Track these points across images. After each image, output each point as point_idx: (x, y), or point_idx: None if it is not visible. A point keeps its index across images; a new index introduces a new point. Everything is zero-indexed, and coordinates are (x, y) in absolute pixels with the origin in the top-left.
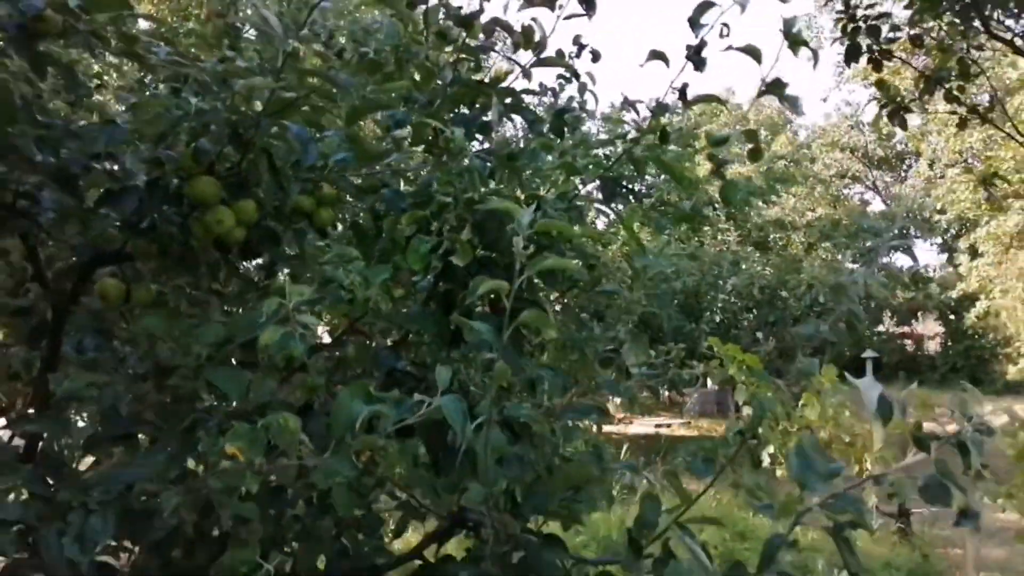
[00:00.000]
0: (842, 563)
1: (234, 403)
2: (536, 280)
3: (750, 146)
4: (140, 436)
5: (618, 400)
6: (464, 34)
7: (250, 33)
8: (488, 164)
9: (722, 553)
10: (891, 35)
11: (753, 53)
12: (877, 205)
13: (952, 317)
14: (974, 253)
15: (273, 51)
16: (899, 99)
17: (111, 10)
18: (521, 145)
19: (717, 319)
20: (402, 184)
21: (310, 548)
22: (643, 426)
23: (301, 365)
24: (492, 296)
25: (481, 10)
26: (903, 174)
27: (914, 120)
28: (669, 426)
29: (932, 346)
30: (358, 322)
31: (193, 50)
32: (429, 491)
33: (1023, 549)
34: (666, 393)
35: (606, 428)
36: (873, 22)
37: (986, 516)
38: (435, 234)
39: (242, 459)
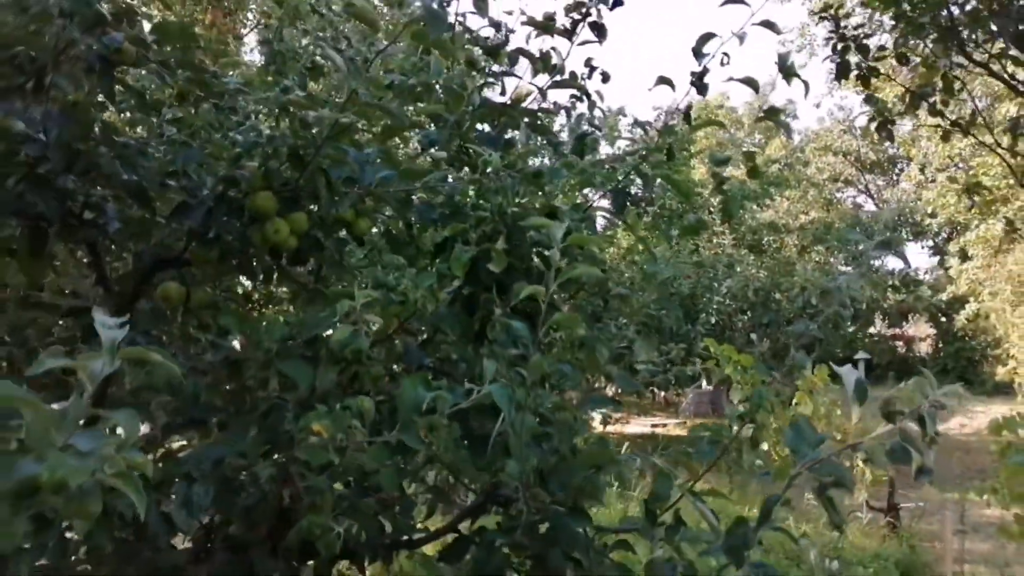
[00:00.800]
0: (833, 554)
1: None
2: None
3: (749, 165)
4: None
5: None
6: (492, 61)
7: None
8: (512, 179)
9: None
10: (878, 53)
11: (751, 84)
12: (869, 208)
13: (943, 319)
14: (964, 256)
15: (296, 66)
16: (886, 113)
17: (180, 42)
18: (522, 148)
19: (712, 320)
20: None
21: (356, 523)
22: (639, 426)
23: (357, 358)
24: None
25: (507, 40)
26: (895, 178)
27: (905, 125)
28: (665, 426)
29: (923, 348)
30: (406, 322)
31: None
32: (470, 469)
33: (1006, 543)
34: (662, 394)
35: (603, 428)
36: (863, 41)
37: (972, 512)
38: (474, 244)
39: (325, 435)
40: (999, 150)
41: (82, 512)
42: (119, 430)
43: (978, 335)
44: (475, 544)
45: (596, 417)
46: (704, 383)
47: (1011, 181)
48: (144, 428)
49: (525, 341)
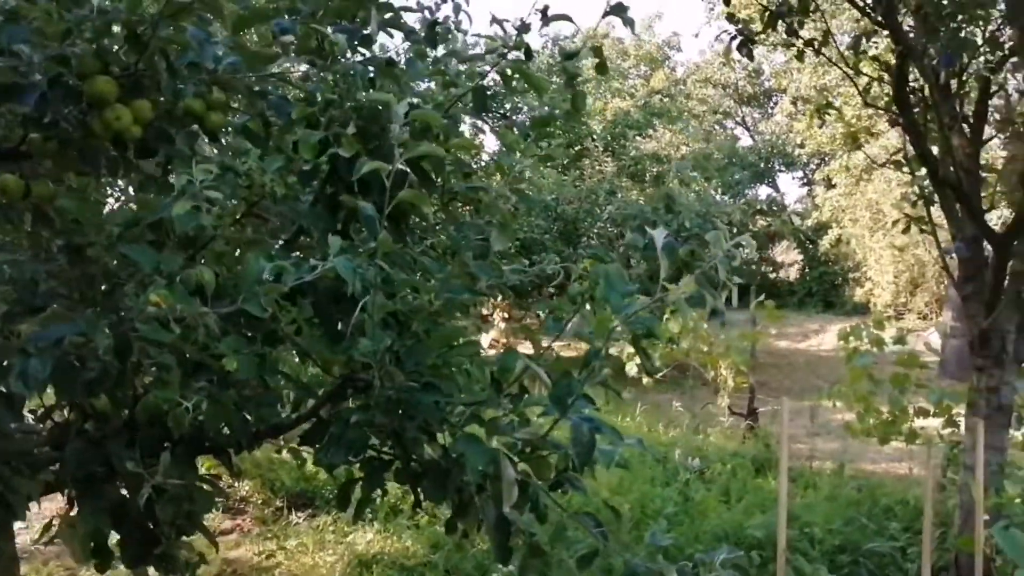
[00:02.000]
0: (695, 452)
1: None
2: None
3: (597, 60)
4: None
5: (502, 325)
6: None
7: None
8: (370, 72)
9: None
10: None
11: None
12: (746, 140)
13: (809, 246)
14: (829, 184)
15: None
16: (747, 32)
17: None
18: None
19: (594, 243)
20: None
21: (216, 414)
22: (526, 349)
23: (205, 243)
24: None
25: None
26: (770, 110)
27: (778, 57)
28: (550, 347)
29: (792, 273)
30: (255, 207)
31: None
32: (324, 349)
33: (853, 443)
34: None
35: (491, 352)
36: None
37: (823, 415)
38: (323, 128)
39: (164, 306)
40: (846, 69)
41: None
42: None
43: (840, 260)
44: (333, 424)
45: (484, 340)
46: (588, 306)
47: (870, 112)
48: None
49: (372, 222)
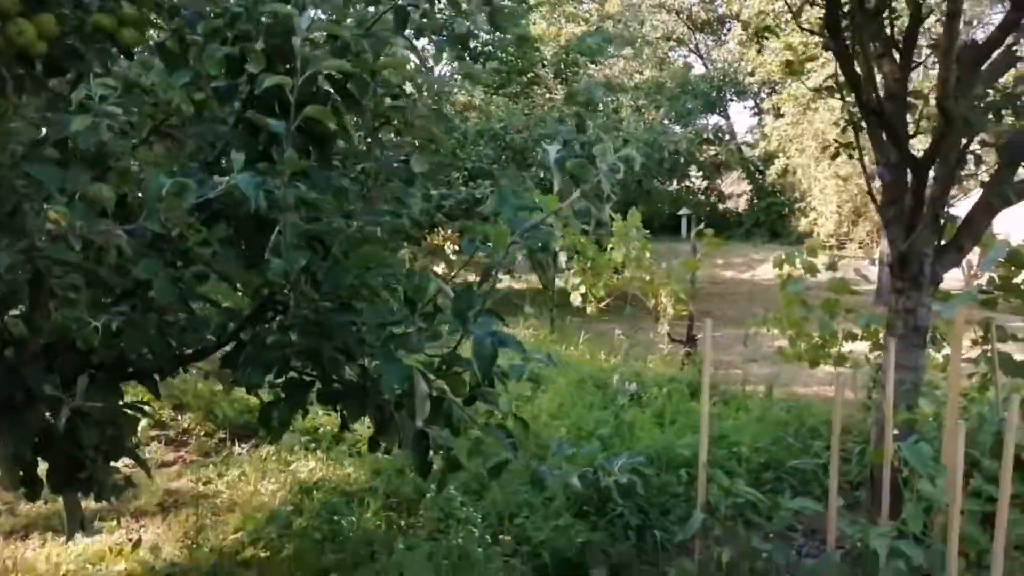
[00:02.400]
0: (633, 378)
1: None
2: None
3: None
4: None
5: (454, 257)
6: None
7: None
8: None
9: None
10: None
11: None
12: (699, 68)
13: (758, 176)
14: (777, 114)
15: None
16: None
17: None
18: None
19: (541, 175)
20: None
21: (135, 337)
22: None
23: (103, 153)
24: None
25: None
26: (723, 38)
27: None
28: (500, 281)
29: (741, 204)
30: (165, 126)
31: None
32: (238, 268)
33: (786, 367)
34: None
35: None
36: None
37: (760, 342)
38: (230, 43)
39: (64, 224)
40: None
41: None
42: None
43: (786, 190)
44: (250, 345)
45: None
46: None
47: (816, 39)
48: None
49: (280, 139)
